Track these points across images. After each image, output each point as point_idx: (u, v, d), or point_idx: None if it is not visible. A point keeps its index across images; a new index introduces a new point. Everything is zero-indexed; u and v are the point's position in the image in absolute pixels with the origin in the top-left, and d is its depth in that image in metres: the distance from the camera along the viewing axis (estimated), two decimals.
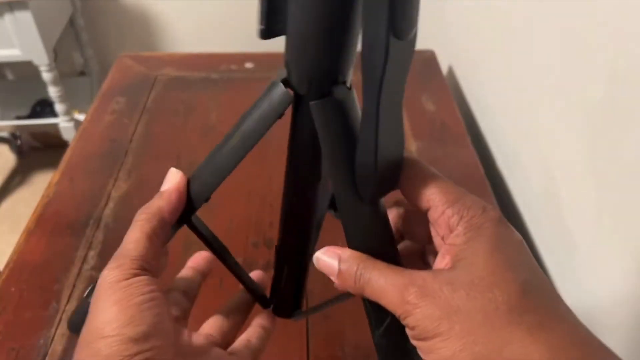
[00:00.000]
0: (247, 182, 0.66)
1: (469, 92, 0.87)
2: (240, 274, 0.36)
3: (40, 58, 1.38)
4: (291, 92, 0.26)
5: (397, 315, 0.23)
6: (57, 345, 0.48)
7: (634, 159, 0.45)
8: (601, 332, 0.51)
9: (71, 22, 1.62)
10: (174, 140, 0.72)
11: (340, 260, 0.26)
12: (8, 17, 1.29)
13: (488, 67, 0.78)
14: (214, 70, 0.87)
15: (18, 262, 0.55)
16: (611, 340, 0.49)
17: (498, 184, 0.73)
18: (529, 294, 0.21)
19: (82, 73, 1.85)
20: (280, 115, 0.28)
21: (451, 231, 0.24)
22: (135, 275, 0.27)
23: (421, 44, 1.14)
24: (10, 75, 1.87)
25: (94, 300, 0.26)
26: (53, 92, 1.48)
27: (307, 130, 0.27)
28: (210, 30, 1.74)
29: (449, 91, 0.83)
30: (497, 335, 0.20)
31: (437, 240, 0.26)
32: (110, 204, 0.62)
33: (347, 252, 0.26)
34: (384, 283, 0.24)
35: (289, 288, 0.36)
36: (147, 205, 0.30)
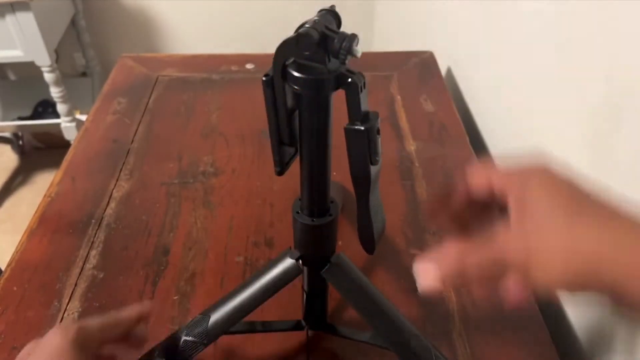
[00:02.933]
0: (248, 182, 0.66)
1: (468, 93, 0.87)
2: None
3: (42, 59, 1.39)
4: (300, 265, 0.40)
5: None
6: None
7: (632, 159, 0.45)
8: (601, 337, 0.51)
9: (73, 23, 1.63)
10: (175, 141, 0.73)
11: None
12: (10, 18, 1.30)
13: (486, 68, 0.79)
14: (214, 71, 0.88)
15: (20, 261, 0.56)
16: (612, 344, 0.49)
17: None
18: (582, 201, 0.29)
19: (83, 74, 1.85)
20: (290, 282, 0.41)
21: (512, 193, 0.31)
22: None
23: (420, 45, 1.14)
24: (12, 76, 1.88)
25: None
26: (55, 92, 1.48)
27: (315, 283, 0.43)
28: (211, 31, 1.74)
29: (448, 92, 0.83)
30: (573, 230, 0.27)
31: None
32: (112, 204, 0.63)
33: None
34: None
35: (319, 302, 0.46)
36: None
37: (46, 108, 1.76)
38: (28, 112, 1.76)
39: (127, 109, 0.79)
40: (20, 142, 1.90)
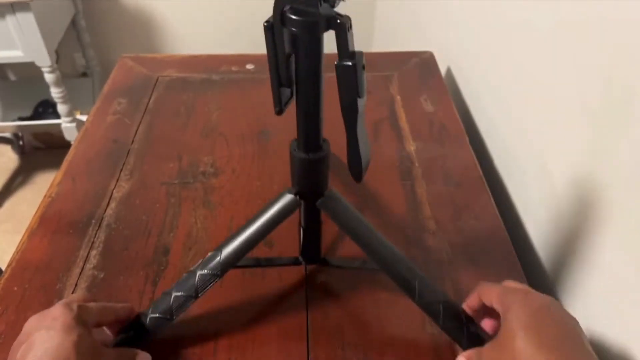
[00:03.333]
0: (248, 182, 0.66)
1: (468, 93, 0.87)
2: None
3: (43, 59, 1.39)
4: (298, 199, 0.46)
5: None
6: None
7: (632, 159, 0.45)
8: (601, 334, 0.51)
9: (73, 23, 1.63)
10: (176, 141, 0.73)
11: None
12: (10, 19, 1.30)
13: (486, 68, 0.79)
14: (215, 72, 0.88)
15: (20, 261, 0.56)
16: (612, 341, 0.49)
17: (496, 184, 0.73)
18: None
19: (84, 74, 1.85)
20: (290, 214, 0.46)
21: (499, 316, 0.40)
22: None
23: (420, 45, 1.14)
24: (12, 76, 1.88)
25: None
26: (55, 93, 1.48)
27: (311, 217, 0.49)
28: (212, 31, 1.74)
29: (448, 92, 0.83)
30: None
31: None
32: (112, 204, 0.63)
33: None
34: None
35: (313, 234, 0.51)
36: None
37: (46, 108, 1.76)
38: (28, 113, 1.76)
39: (127, 109, 0.79)
40: (21, 143, 1.90)
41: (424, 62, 0.90)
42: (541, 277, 0.61)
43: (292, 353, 0.48)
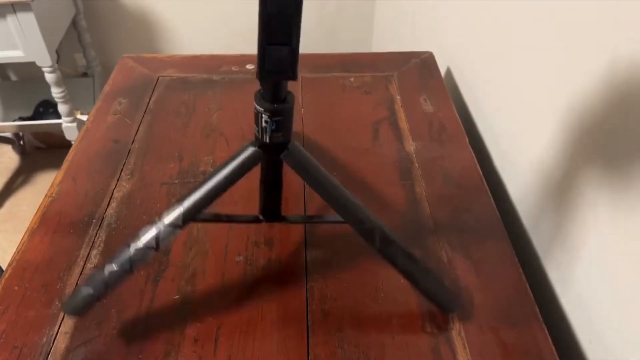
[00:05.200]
0: (248, 182, 0.66)
1: (467, 93, 0.87)
2: None
3: (43, 59, 1.39)
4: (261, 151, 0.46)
5: None
6: (60, 344, 0.48)
7: (631, 159, 0.45)
8: (600, 335, 0.51)
9: (74, 23, 1.63)
10: (176, 141, 0.73)
11: None
12: (11, 19, 1.30)
13: (486, 68, 0.79)
14: (215, 72, 0.88)
15: (21, 261, 0.56)
16: (611, 344, 0.49)
17: (496, 184, 0.74)
18: None
19: (84, 74, 1.85)
20: (252, 167, 0.46)
21: None
22: None
23: (420, 45, 1.14)
24: (13, 76, 1.88)
25: None
26: (56, 93, 1.48)
27: (272, 172, 0.49)
28: (212, 32, 1.74)
29: (447, 92, 0.83)
30: None
31: None
32: (113, 204, 0.63)
33: None
34: None
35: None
36: None
37: (47, 108, 1.76)
38: (29, 113, 1.76)
39: (128, 109, 0.79)
40: (22, 142, 1.90)
41: (424, 63, 0.90)
42: (541, 277, 0.62)
43: (292, 352, 0.48)
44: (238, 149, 0.47)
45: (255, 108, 0.43)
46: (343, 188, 0.48)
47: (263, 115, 0.42)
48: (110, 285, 0.46)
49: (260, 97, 0.42)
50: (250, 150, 0.46)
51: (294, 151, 0.46)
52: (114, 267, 0.46)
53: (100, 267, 0.47)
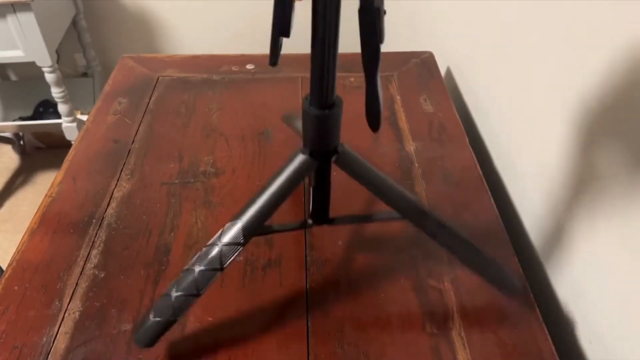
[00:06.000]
0: (248, 182, 0.66)
1: (467, 93, 0.87)
2: None
3: (43, 59, 1.39)
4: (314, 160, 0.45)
5: None
6: (60, 344, 0.48)
7: (631, 160, 0.45)
8: (600, 335, 0.51)
9: (74, 23, 1.63)
10: (176, 141, 0.73)
11: None
12: (11, 19, 1.30)
13: (486, 68, 0.79)
14: (215, 72, 0.88)
15: (21, 261, 0.56)
16: (611, 344, 0.49)
17: (496, 184, 0.74)
18: None
19: (84, 74, 1.85)
20: (306, 175, 0.46)
21: None
22: None
23: (420, 45, 1.14)
24: (13, 76, 1.88)
25: None
26: (56, 93, 1.48)
27: (322, 176, 0.48)
28: (212, 31, 1.74)
29: (447, 92, 0.83)
30: None
31: None
32: (113, 204, 0.63)
33: None
34: None
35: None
36: None
37: (47, 108, 1.76)
38: (29, 112, 1.76)
39: (128, 109, 0.79)
40: (22, 142, 1.90)
41: (424, 63, 0.90)
42: (540, 277, 0.62)
43: (292, 352, 0.48)
44: (288, 159, 0.46)
45: (305, 114, 0.42)
46: (395, 184, 0.48)
47: (314, 121, 0.42)
48: (178, 311, 0.45)
49: (310, 104, 0.42)
50: (301, 158, 0.45)
51: (344, 154, 0.46)
52: (179, 292, 0.45)
53: (165, 294, 0.45)
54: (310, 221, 0.52)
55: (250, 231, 0.45)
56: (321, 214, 0.52)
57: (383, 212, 0.51)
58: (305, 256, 0.57)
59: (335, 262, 0.57)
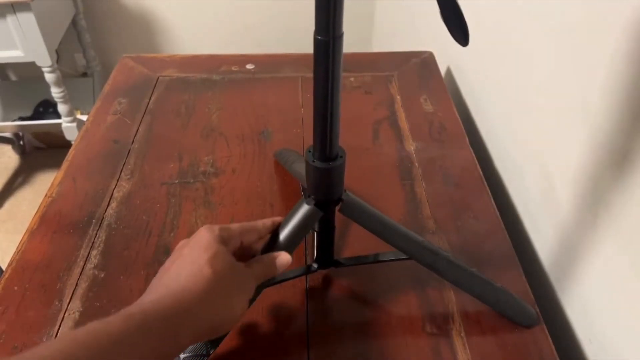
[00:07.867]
0: (248, 182, 0.66)
1: (467, 93, 0.87)
2: None
3: (43, 59, 1.39)
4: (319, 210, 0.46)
5: None
6: None
7: (630, 160, 0.45)
8: (600, 335, 0.51)
9: (74, 23, 1.63)
10: (176, 141, 0.73)
11: None
12: (11, 19, 1.30)
13: (486, 68, 0.79)
14: (215, 72, 0.88)
15: (21, 261, 0.56)
16: (611, 342, 0.49)
17: (496, 184, 0.74)
18: None
19: (84, 74, 1.85)
20: (313, 225, 0.47)
21: None
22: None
23: (420, 45, 1.14)
24: (13, 76, 1.88)
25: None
26: (56, 93, 1.48)
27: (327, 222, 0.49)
28: (212, 31, 1.74)
29: (448, 92, 0.83)
30: None
31: None
32: (113, 204, 0.63)
33: None
34: None
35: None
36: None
37: (47, 108, 1.76)
38: (29, 112, 1.76)
39: (128, 109, 0.79)
40: (21, 142, 1.90)
41: (424, 62, 0.90)
42: (541, 277, 0.62)
43: (292, 352, 0.48)
44: (293, 209, 0.46)
45: (309, 166, 0.43)
46: (399, 225, 0.48)
47: (318, 174, 0.43)
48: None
49: (313, 157, 0.42)
50: (306, 209, 0.45)
51: (349, 202, 0.46)
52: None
53: None
54: (315, 265, 0.52)
55: (263, 286, 0.46)
56: (326, 257, 0.52)
57: (389, 253, 0.51)
58: (305, 256, 0.57)
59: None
